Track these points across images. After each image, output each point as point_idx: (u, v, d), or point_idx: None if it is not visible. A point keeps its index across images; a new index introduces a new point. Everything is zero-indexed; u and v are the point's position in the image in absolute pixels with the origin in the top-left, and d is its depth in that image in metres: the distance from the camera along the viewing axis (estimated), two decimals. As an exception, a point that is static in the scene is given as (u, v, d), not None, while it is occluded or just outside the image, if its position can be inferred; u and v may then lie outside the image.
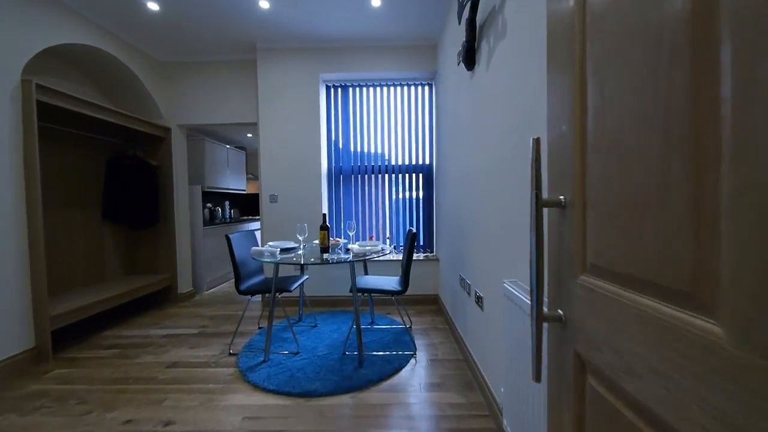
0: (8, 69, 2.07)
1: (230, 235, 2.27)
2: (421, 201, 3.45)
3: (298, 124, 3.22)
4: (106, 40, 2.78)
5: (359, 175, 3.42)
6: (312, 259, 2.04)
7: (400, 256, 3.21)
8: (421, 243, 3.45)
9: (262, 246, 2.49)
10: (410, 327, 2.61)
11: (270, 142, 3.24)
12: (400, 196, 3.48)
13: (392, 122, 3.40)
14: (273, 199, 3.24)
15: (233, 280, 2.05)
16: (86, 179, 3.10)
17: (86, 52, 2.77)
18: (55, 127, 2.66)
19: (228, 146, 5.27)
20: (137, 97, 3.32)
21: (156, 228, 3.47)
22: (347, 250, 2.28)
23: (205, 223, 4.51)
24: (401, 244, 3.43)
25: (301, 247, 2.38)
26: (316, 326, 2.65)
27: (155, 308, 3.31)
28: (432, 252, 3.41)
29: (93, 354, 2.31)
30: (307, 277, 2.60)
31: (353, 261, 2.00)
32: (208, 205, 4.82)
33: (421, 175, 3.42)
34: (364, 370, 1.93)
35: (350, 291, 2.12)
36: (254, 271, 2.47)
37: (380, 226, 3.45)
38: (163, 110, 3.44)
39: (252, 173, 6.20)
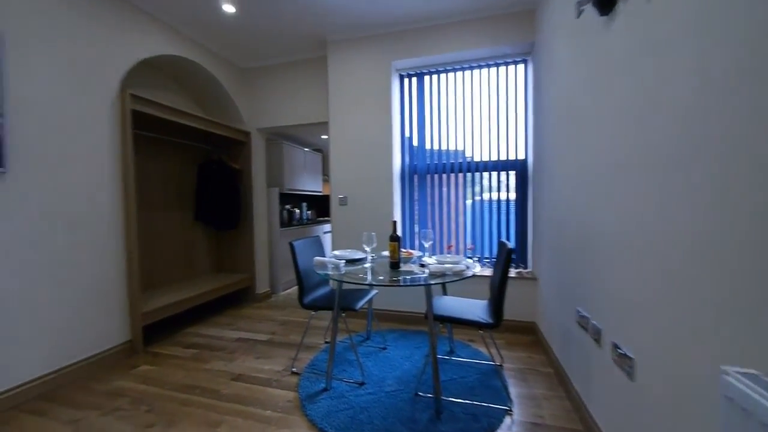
0: (108, 81, 2.23)
1: (294, 243, 2.08)
2: (511, 204, 2.84)
3: (368, 119, 2.94)
4: (192, 50, 2.92)
5: (436, 175, 2.98)
6: (380, 278, 1.70)
7: (485, 272, 2.67)
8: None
9: (330, 254, 2.25)
10: (501, 365, 2.07)
11: (340, 141, 3.04)
12: (485, 197, 2.92)
13: (476, 111, 2.87)
14: (343, 201, 3.03)
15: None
16: (183, 183, 3.35)
17: (178, 62, 2.95)
18: (155, 135, 2.89)
19: (306, 149, 5.38)
20: (222, 104, 3.48)
21: (237, 229, 3.61)
22: (422, 266, 1.88)
23: (283, 225, 4.62)
24: (485, 255, 2.88)
25: (369, 258, 2.07)
26: (385, 349, 2.31)
27: (234, 307, 3.42)
28: (526, 268, 2.77)
29: (174, 352, 2.38)
30: (376, 292, 2.28)
31: (431, 284, 1.58)
32: (287, 206, 4.96)
33: (512, 173, 2.81)
34: (443, 425, 1.50)
35: (425, 317, 1.72)
36: (319, 282, 2.25)
37: (460, 234, 2.95)
38: (244, 115, 3.55)
39: (327, 174, 6.28)
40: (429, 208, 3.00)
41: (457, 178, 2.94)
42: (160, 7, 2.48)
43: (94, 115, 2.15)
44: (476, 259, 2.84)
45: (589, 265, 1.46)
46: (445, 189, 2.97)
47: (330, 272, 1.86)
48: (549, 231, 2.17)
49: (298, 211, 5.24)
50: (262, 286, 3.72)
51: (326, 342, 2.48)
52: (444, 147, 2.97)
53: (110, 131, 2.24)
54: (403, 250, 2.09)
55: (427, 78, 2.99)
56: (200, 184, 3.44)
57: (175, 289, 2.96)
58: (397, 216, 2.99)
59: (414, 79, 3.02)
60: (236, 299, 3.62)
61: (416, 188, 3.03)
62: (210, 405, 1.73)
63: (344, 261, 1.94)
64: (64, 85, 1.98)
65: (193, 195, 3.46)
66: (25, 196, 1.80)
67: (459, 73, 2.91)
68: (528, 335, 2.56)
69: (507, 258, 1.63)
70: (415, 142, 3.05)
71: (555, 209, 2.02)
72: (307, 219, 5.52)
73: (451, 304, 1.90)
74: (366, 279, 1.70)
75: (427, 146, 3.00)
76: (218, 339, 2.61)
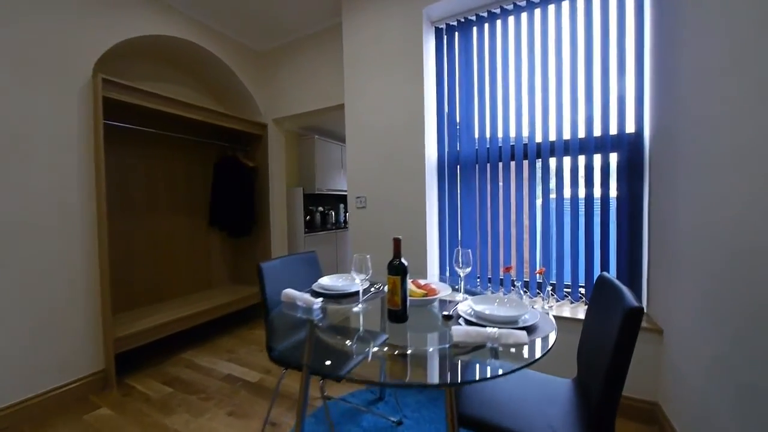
0: (75, 66, 1.88)
1: (264, 265, 1.45)
2: (611, 203, 1.81)
3: (392, 94, 2.20)
4: (191, 29, 2.51)
5: (488, 164, 2.09)
6: (369, 345, 0.95)
7: (566, 310, 1.72)
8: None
9: (317, 282, 1.57)
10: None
11: (356, 125, 2.35)
12: (565, 195, 1.94)
13: (551, 69, 1.91)
14: (360, 203, 2.34)
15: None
16: (194, 184, 3.02)
17: (185, 51, 2.59)
18: (158, 132, 2.55)
19: (342, 144, 4.83)
20: (238, 95, 3.07)
21: (252, 235, 3.17)
22: (447, 317, 1.07)
23: (313, 229, 4.13)
24: (564, 282, 1.91)
25: (360, 296, 1.32)
26: (401, 424, 1.55)
27: (246, 325, 2.97)
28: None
29: (148, 388, 1.96)
30: (386, 337, 1.53)
31: (440, 386, 0.78)
32: (319, 208, 4.47)
33: (612, 156, 1.79)
34: None
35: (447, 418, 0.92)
36: (302, 321, 1.59)
37: (524, 248, 2.02)
38: (261, 106, 3.10)
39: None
40: (477, 211, 2.13)
41: (519, 167, 2.01)
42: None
43: (58, 106, 1.81)
44: (550, 289, 1.88)
45: None
46: (501, 184, 2.07)
47: (301, 314, 1.20)
48: (699, 252, 1.16)
49: (333, 213, 4.72)
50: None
51: (324, 396, 1.81)
52: (499, 125, 2.06)
53: (79, 124, 1.90)
54: (422, 282, 1.30)
55: (474, 29, 2.12)
56: (214, 186, 3.09)
57: (177, 304, 2.61)
58: (432, 224, 2.19)
59: (456, 34, 2.18)
60: (251, 315, 3.18)
61: (459, 184, 2.18)
62: (125, 504, 1.19)
63: (320, 300, 1.23)
64: (15, 74, 1.66)
65: (208, 197, 3.12)
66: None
67: (523, 15, 1.98)
68: (644, 424, 1.53)
69: (628, 326, 0.74)
70: (457, 121, 2.20)
71: (718, 216, 1.03)
72: (345, 222, 4.97)
73: (499, 390, 1.05)
74: (350, 340, 0.97)
75: (476, 125, 2.13)
76: (205, 374, 2.12)
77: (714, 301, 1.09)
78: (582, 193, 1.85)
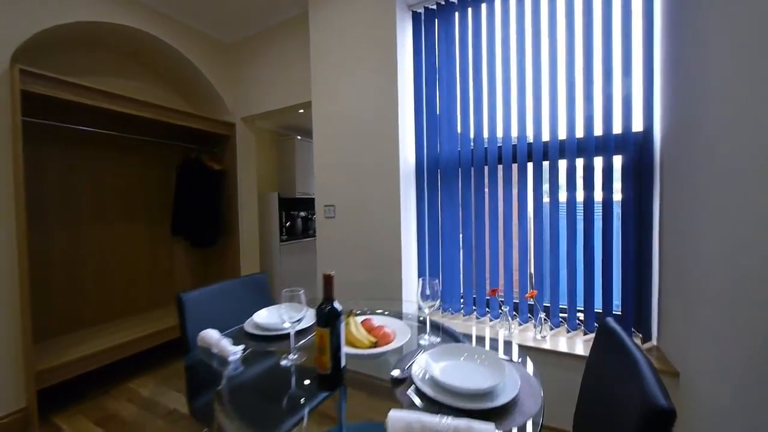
0: (-15, 53, 1.61)
1: (186, 296, 1.17)
2: (614, 213, 1.54)
3: (363, 89, 1.93)
4: (140, 16, 2.22)
5: (472, 168, 1.82)
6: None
7: (564, 343, 1.45)
8: (615, 308, 1.54)
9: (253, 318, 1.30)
10: None
11: (324, 125, 2.08)
12: (562, 198, 1.67)
13: (544, 59, 1.64)
14: (329, 213, 2.06)
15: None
16: (152, 190, 2.74)
17: (137, 40, 2.31)
18: (109, 132, 2.28)
19: (327, 145, 4.55)
20: (204, 92, 2.80)
21: (219, 244, 2.89)
22: (397, 381, 0.79)
23: (294, 236, 3.86)
24: (560, 304, 1.63)
25: (293, 340, 1.04)
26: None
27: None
28: (646, 340, 1.44)
29: (76, 430, 1.68)
30: (325, 396, 1.21)
31: None
32: (302, 213, 4.20)
33: (617, 159, 1.52)
34: None
35: None
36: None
37: (513, 262, 1.75)
38: (228, 103, 2.83)
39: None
40: (460, 222, 1.85)
41: (508, 171, 1.74)
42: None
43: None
44: (542, 315, 1.60)
45: None
46: (487, 190, 1.80)
47: (216, 365, 0.93)
48: (725, 273, 0.89)
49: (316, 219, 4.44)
50: (252, 317, 2.95)
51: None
52: (485, 124, 1.79)
53: (-8, 122, 1.62)
54: (375, 323, 1.01)
55: (457, 14, 1.85)
56: (177, 191, 2.81)
57: (131, 324, 2.34)
58: (410, 236, 1.91)
59: (436, 20, 1.90)
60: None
61: (440, 191, 1.91)
62: None
63: (240, 349, 0.95)
64: None
65: (170, 204, 2.84)
66: None
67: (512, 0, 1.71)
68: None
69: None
70: (437, 114, 1.92)
71: (750, 231, 0.75)
72: (330, 228, 4.68)
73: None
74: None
75: (459, 124, 1.86)
76: (148, 410, 1.85)
77: (745, 336, 0.82)
78: (581, 202, 1.58)
